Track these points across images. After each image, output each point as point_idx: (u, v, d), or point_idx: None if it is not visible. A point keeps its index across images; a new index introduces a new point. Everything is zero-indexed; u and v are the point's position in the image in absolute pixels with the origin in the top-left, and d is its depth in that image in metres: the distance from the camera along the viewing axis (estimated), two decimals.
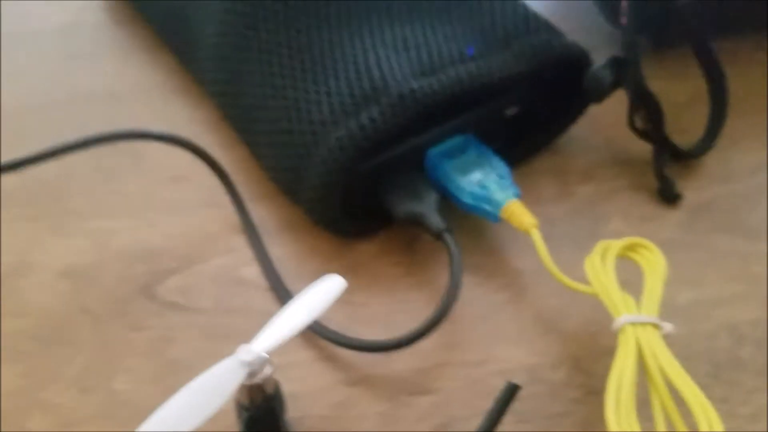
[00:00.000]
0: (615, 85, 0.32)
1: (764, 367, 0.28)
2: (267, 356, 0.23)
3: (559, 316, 0.29)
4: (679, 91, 0.37)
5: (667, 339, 0.26)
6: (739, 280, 0.30)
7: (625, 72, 0.31)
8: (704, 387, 0.26)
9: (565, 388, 0.27)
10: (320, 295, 0.24)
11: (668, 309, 0.29)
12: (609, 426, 0.22)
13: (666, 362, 0.23)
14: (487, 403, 0.25)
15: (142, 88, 0.38)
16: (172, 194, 0.33)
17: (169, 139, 0.31)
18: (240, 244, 0.32)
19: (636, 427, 0.22)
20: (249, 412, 0.24)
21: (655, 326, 0.24)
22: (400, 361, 0.28)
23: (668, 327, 0.25)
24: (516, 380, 0.25)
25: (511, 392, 0.23)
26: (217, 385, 0.22)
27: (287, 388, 0.26)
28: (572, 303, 0.29)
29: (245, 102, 0.33)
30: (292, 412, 0.26)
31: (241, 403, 0.24)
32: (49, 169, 0.33)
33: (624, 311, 0.25)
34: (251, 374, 0.23)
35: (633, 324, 0.24)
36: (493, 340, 0.29)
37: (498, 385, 0.25)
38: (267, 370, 0.23)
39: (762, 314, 0.29)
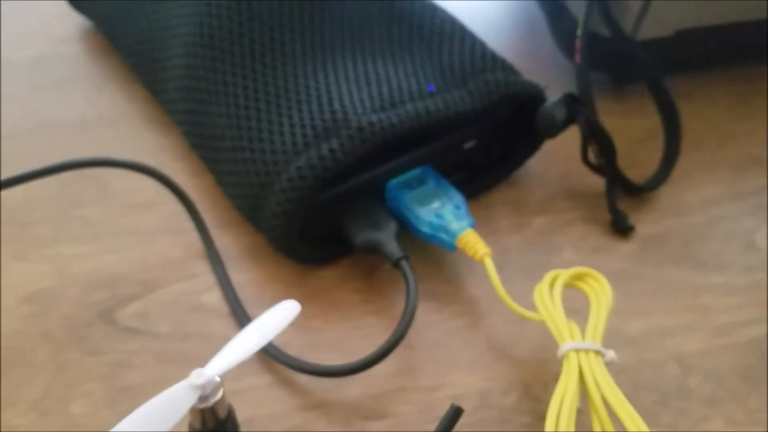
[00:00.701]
0: (568, 121, 0.33)
1: (711, 396, 0.28)
2: (219, 380, 0.23)
3: (511, 344, 0.30)
4: (636, 127, 0.38)
5: (616, 367, 0.27)
6: (688, 311, 0.31)
7: (577, 108, 0.32)
8: (652, 415, 0.27)
9: (516, 413, 0.28)
10: (275, 319, 0.25)
11: (618, 338, 0.30)
12: None
13: (607, 388, 0.24)
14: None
15: (111, 118, 0.39)
16: (136, 220, 0.34)
17: (132, 166, 0.32)
18: (202, 269, 0.32)
19: None
20: None
21: (598, 353, 0.25)
22: (356, 386, 0.28)
23: (611, 354, 0.25)
24: (466, 405, 0.26)
25: (454, 415, 0.23)
26: (168, 408, 0.22)
27: (244, 413, 0.27)
28: (524, 331, 0.30)
29: (209, 132, 0.34)
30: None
31: (193, 427, 0.24)
32: (14, 195, 0.33)
33: (568, 338, 0.25)
34: (203, 398, 0.23)
35: (576, 351, 0.25)
36: (447, 365, 0.29)
37: (445, 401, 0.26)
38: (219, 394, 0.24)
39: (709, 345, 0.30)
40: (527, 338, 0.30)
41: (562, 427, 0.23)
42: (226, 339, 0.25)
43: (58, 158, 0.31)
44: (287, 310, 0.25)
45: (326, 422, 0.28)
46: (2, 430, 0.27)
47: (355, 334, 0.30)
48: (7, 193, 0.33)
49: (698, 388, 0.28)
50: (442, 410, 0.27)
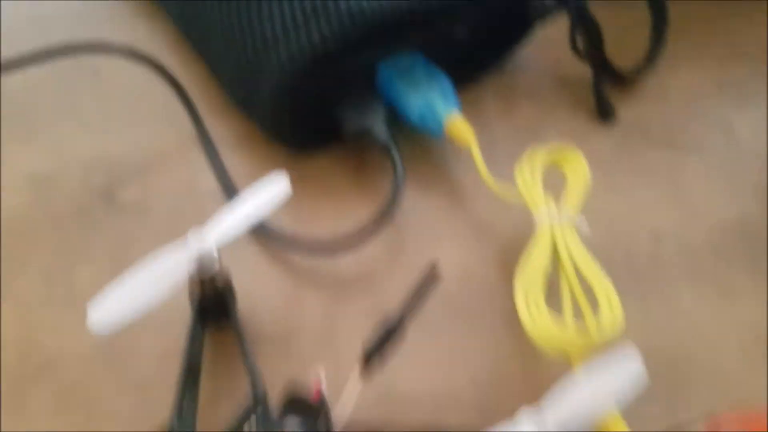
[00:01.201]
0: (558, 7, 0.33)
1: (683, 267, 0.30)
2: (215, 253, 0.25)
3: (494, 224, 0.31)
4: (625, 16, 0.38)
5: (592, 239, 0.28)
6: (665, 191, 0.32)
7: None
8: (623, 282, 0.28)
9: (495, 285, 0.29)
10: (266, 193, 0.26)
11: (595, 213, 0.31)
12: (519, 310, 0.24)
13: (577, 254, 0.25)
14: (429, 301, 0.27)
15: (105, 11, 0.39)
16: (131, 108, 0.35)
17: (128, 52, 0.33)
18: (196, 155, 0.33)
19: (543, 310, 0.24)
20: (200, 301, 0.26)
21: (571, 223, 0.26)
22: (346, 264, 0.30)
23: (584, 225, 0.27)
24: (449, 278, 0.27)
25: (431, 275, 0.25)
26: (165, 275, 0.24)
27: (238, 286, 0.28)
28: (508, 213, 0.31)
29: (202, 22, 0.34)
30: (242, 305, 0.28)
31: (194, 294, 0.26)
32: (13, 82, 0.34)
33: (544, 209, 0.27)
34: (202, 269, 0.25)
35: (550, 220, 0.26)
36: (432, 244, 0.31)
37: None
38: (215, 265, 0.25)
39: (683, 221, 0.31)
40: (511, 219, 0.31)
41: (533, 290, 0.24)
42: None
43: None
44: (278, 186, 0.26)
45: (316, 297, 0.29)
46: (9, 297, 0.29)
47: (345, 216, 0.31)
48: (7, 81, 0.34)
49: (668, 259, 0.30)
50: None
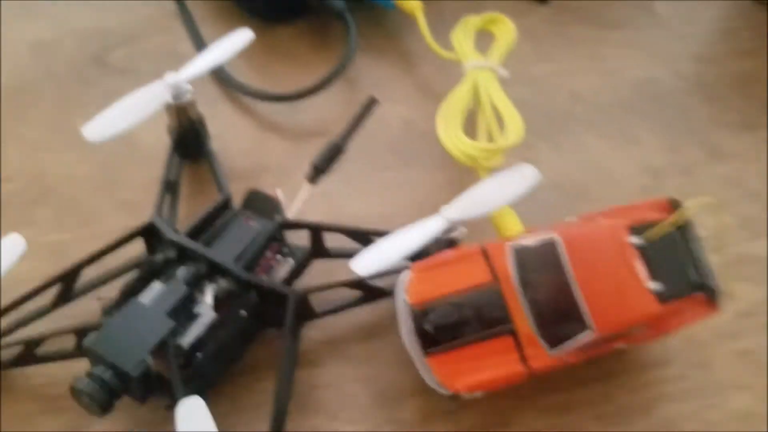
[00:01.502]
0: None
1: (592, 120, 0.35)
2: (189, 86, 0.30)
3: (436, 84, 0.36)
4: None
5: (517, 97, 0.33)
6: (587, 59, 0.37)
7: None
8: (542, 130, 0.34)
9: (433, 134, 0.34)
10: (230, 41, 0.31)
11: (523, 77, 0.36)
12: (437, 129, 0.29)
13: (494, 93, 0.30)
14: (372, 142, 0.32)
15: None
16: None
17: None
18: (176, 26, 0.38)
19: (458, 129, 0.29)
20: (177, 131, 0.31)
21: (494, 71, 0.31)
22: (306, 112, 0.35)
23: (503, 72, 0.32)
24: (392, 128, 0.32)
25: (369, 106, 0.30)
26: (147, 100, 0.29)
27: (213, 133, 0.33)
28: (451, 77, 0.35)
29: None
30: (215, 145, 0.33)
31: (170, 126, 0.31)
32: None
33: (471, 60, 0.31)
34: (176, 96, 0.30)
35: (475, 67, 0.31)
36: (381, 98, 0.35)
37: (384, 129, 0.33)
38: (188, 95, 0.30)
39: (599, 84, 0.36)
40: (453, 81, 0.35)
41: (452, 118, 0.29)
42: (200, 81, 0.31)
43: None
44: (242, 36, 0.31)
45: (279, 140, 0.34)
46: (15, 139, 0.34)
47: (307, 76, 0.36)
48: None
49: (582, 113, 0.35)
50: (378, 135, 0.34)
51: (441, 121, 0.30)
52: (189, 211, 0.31)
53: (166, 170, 0.30)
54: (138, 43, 0.37)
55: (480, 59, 0.32)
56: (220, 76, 0.36)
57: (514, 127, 0.29)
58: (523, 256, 0.26)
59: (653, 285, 0.25)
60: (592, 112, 0.35)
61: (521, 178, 0.28)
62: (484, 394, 0.28)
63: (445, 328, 0.26)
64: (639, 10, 0.39)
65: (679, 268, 0.26)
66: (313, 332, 0.30)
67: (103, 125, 0.28)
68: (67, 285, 0.28)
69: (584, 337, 0.25)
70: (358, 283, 0.28)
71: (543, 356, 0.25)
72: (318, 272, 0.30)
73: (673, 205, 0.27)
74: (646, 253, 0.25)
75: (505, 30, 0.33)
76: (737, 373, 0.29)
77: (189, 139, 0.31)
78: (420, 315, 0.26)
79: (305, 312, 0.28)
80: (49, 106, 0.35)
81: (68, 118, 0.34)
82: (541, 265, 0.26)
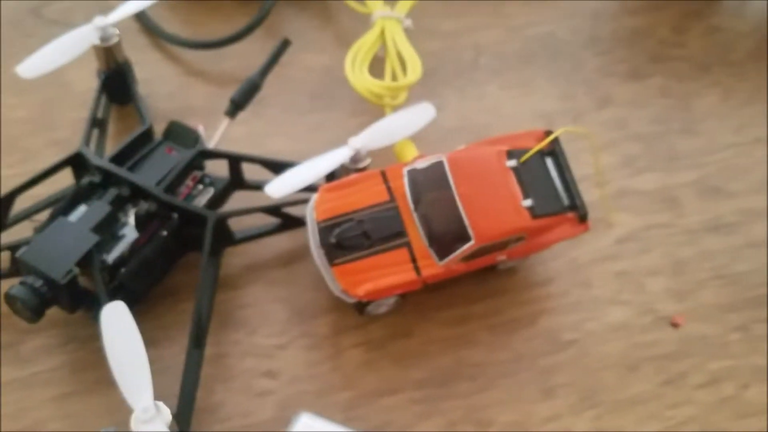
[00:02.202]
0: None
1: (494, 69, 0.38)
2: (116, 29, 0.32)
3: (355, 34, 0.38)
4: None
5: (427, 51, 0.36)
6: (492, 15, 0.40)
7: None
8: (447, 79, 0.37)
9: None
10: None
11: (432, 33, 0.39)
12: (346, 72, 0.32)
13: (399, 40, 0.34)
14: (294, 88, 0.35)
15: None
16: None
17: None
18: None
19: (364, 69, 0.33)
20: (105, 74, 0.33)
21: (399, 21, 0.35)
22: (230, 60, 0.37)
23: (408, 22, 0.35)
24: (313, 77, 0.35)
25: (283, 46, 0.32)
26: (73, 43, 0.31)
27: (141, 79, 0.36)
28: (367, 25, 0.38)
29: None
30: (143, 89, 0.35)
31: (99, 69, 0.33)
32: None
33: (379, 10, 0.35)
34: (103, 39, 0.32)
35: (383, 17, 0.34)
36: (302, 49, 0.38)
37: (304, 77, 0.36)
38: (115, 38, 0.32)
39: (502, 38, 0.39)
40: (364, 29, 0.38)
41: (359, 60, 0.33)
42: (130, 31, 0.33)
43: None
44: None
45: (204, 84, 0.37)
46: None
47: (232, 28, 0.38)
48: None
49: (485, 65, 0.38)
50: (299, 82, 0.37)
51: (349, 63, 0.33)
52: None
53: (94, 107, 0.33)
54: None
55: (386, 10, 0.35)
56: (148, 26, 0.38)
57: (414, 67, 0.32)
58: (415, 176, 0.29)
59: (526, 202, 0.28)
60: (495, 63, 0.38)
61: (420, 114, 0.31)
62: (390, 309, 0.31)
63: (348, 241, 0.29)
64: None
65: (551, 189, 0.30)
66: (237, 259, 0.32)
67: (36, 64, 0.31)
68: (1, 213, 0.30)
69: (467, 247, 0.28)
70: (275, 210, 0.31)
71: (434, 266, 0.29)
72: (239, 203, 0.32)
73: (547, 135, 0.30)
74: (520, 174, 0.29)
75: None
76: (614, 291, 0.33)
77: (116, 80, 0.34)
78: (325, 229, 0.29)
79: (224, 236, 0.31)
80: None
81: (6, 66, 0.36)
82: (430, 184, 0.29)
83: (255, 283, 0.32)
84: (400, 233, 0.29)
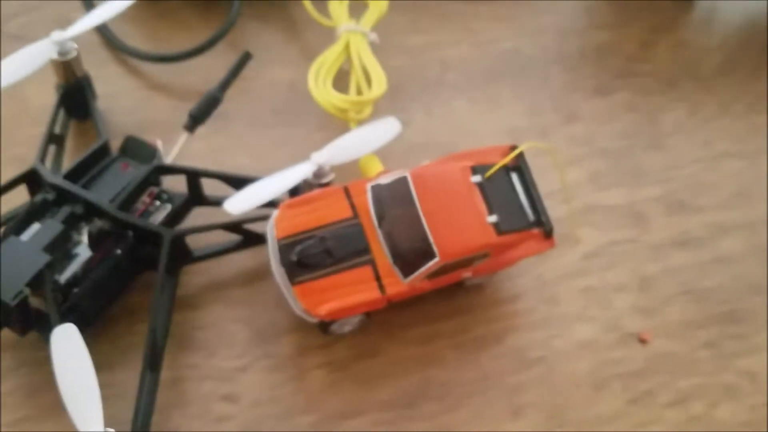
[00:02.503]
0: None
1: (461, 87, 0.38)
2: (74, 44, 0.31)
3: (320, 49, 0.38)
4: None
5: (393, 67, 0.36)
6: (459, 31, 0.40)
7: None
8: (414, 95, 0.37)
9: None
10: (113, 6, 0.33)
11: (400, 47, 0.39)
12: (309, 86, 0.32)
13: (364, 54, 0.33)
14: (257, 104, 0.35)
15: None
16: None
17: None
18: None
19: (328, 84, 0.32)
20: (63, 88, 0.32)
21: (364, 35, 0.34)
22: (192, 74, 0.37)
23: (373, 36, 0.35)
24: (278, 93, 0.35)
25: (244, 59, 0.32)
26: (31, 58, 0.31)
27: (99, 91, 0.35)
28: (332, 41, 0.38)
29: None
30: (101, 104, 0.35)
31: (57, 83, 0.33)
32: None
33: (344, 24, 0.34)
34: (61, 53, 0.31)
35: (348, 31, 0.34)
36: (266, 63, 0.38)
37: (268, 91, 0.35)
38: (73, 53, 0.32)
39: (468, 54, 0.39)
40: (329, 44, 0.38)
41: (323, 74, 0.32)
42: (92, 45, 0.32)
43: None
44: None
45: (166, 99, 0.36)
46: None
47: (194, 41, 0.37)
48: None
49: (452, 80, 0.38)
50: (263, 97, 0.37)
51: (312, 77, 0.33)
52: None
53: (51, 122, 0.32)
54: (34, 12, 0.39)
55: (352, 23, 0.34)
56: (110, 40, 0.37)
57: (379, 81, 0.32)
58: (379, 192, 0.29)
59: (491, 218, 0.28)
60: (462, 79, 0.38)
61: (385, 129, 0.31)
62: (354, 328, 0.30)
63: (310, 259, 0.28)
64: None
65: (516, 206, 0.29)
66: (196, 278, 0.32)
67: None
68: None
69: (431, 264, 0.27)
70: (236, 227, 0.30)
71: (398, 284, 0.28)
72: (199, 220, 0.32)
73: (512, 150, 0.30)
74: (485, 189, 0.29)
75: (381, 3, 0.36)
76: (581, 307, 0.32)
77: (74, 95, 0.33)
78: (286, 247, 0.28)
79: (182, 253, 0.30)
80: None
81: None
82: (394, 200, 0.28)
83: (215, 303, 0.31)
84: (364, 250, 0.28)
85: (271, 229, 0.29)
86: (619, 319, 0.32)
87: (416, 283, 0.28)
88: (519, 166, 0.30)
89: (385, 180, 0.29)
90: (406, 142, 0.34)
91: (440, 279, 0.29)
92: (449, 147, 0.35)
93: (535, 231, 0.29)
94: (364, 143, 0.30)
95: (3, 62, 0.31)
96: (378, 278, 0.28)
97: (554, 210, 0.31)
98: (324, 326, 0.29)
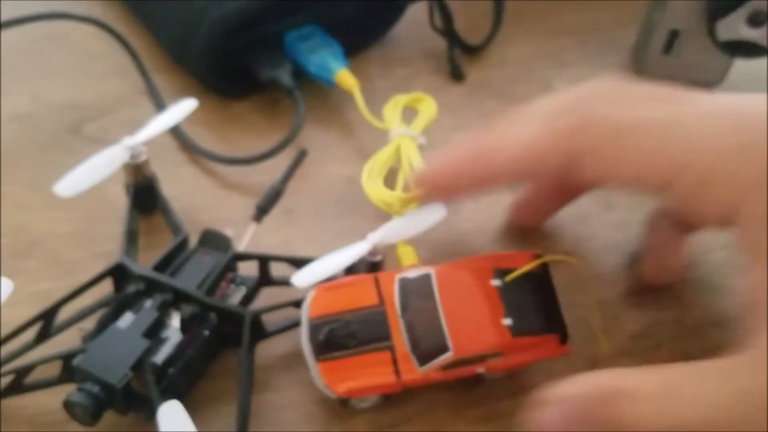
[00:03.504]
0: None
1: None
2: (144, 147, 0.35)
3: (373, 148, 0.41)
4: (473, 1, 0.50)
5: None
6: None
7: None
8: None
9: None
10: (177, 109, 0.37)
11: (444, 143, 0.42)
12: (363, 184, 0.37)
13: (413, 156, 0.38)
14: (321, 198, 0.38)
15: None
16: (93, 66, 0.45)
17: (90, 20, 0.42)
18: (145, 101, 0.43)
19: (379, 181, 0.37)
20: (134, 188, 0.36)
21: (414, 138, 0.39)
22: (262, 174, 0.40)
23: (422, 140, 0.39)
24: (337, 188, 0.38)
25: (300, 156, 0.37)
26: (107, 161, 0.34)
27: (175, 191, 0.38)
28: (384, 139, 0.41)
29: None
30: (179, 203, 0.38)
31: (128, 184, 0.36)
32: None
33: (396, 128, 0.39)
34: (133, 156, 0.35)
35: (400, 135, 0.38)
36: (326, 161, 0.41)
37: (326, 187, 0.39)
38: (144, 156, 0.35)
39: None
40: (384, 144, 0.42)
41: (375, 172, 0.37)
42: (166, 146, 0.36)
43: None
44: (188, 104, 0.37)
45: (239, 197, 0.39)
46: (5, 198, 0.38)
47: (262, 144, 0.41)
48: None
49: None
50: (326, 192, 0.40)
51: (365, 175, 0.37)
52: (144, 261, 0.35)
53: (128, 221, 0.35)
54: (109, 116, 0.42)
55: (403, 128, 0.39)
56: (185, 143, 0.41)
57: None
58: (405, 285, 0.32)
59: (506, 320, 0.31)
60: None
61: (431, 214, 0.34)
62: (371, 405, 0.32)
63: (336, 339, 0.31)
64: (539, 86, 0.46)
65: (533, 311, 0.32)
66: (270, 359, 0.34)
67: (71, 182, 0.34)
68: (47, 322, 0.32)
69: (445, 358, 0.30)
70: (301, 303, 0.33)
71: (413, 371, 0.31)
72: (265, 299, 0.34)
73: (536, 258, 0.33)
74: (504, 293, 0.31)
75: (428, 106, 0.40)
76: None
77: (144, 194, 0.37)
78: (316, 326, 0.31)
79: (258, 330, 0.33)
80: (33, 171, 0.40)
81: (48, 182, 0.38)
82: (418, 294, 0.31)
83: (294, 387, 0.33)
84: (385, 337, 0.31)
85: (305, 309, 0.31)
86: None
87: (430, 372, 0.31)
88: (542, 272, 0.33)
89: (411, 274, 0.32)
90: (455, 229, 0.38)
91: (454, 371, 0.31)
92: (495, 235, 0.39)
93: (552, 336, 0.32)
94: (412, 225, 0.34)
95: (80, 167, 0.34)
96: (395, 362, 0.31)
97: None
98: (343, 401, 0.31)
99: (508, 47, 0.48)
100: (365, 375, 0.30)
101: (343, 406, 0.32)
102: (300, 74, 0.43)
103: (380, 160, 0.38)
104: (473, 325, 0.30)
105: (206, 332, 0.32)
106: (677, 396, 0.25)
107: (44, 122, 0.42)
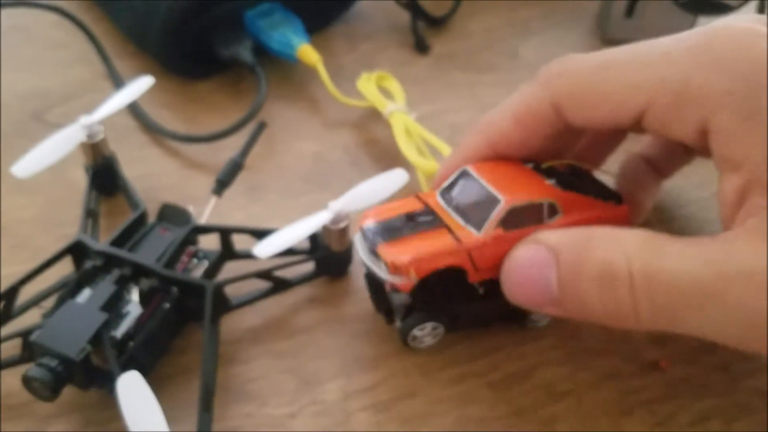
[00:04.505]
0: None
1: None
2: (101, 126, 0.35)
3: (337, 122, 0.42)
4: None
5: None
6: (463, 98, 0.43)
7: None
8: None
9: (339, 163, 0.40)
10: (135, 88, 0.37)
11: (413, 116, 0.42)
12: (412, 161, 0.37)
13: (415, 127, 0.38)
14: (288, 174, 0.37)
15: None
16: (56, 55, 0.44)
17: (50, 8, 0.42)
18: (108, 86, 0.43)
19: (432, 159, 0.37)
20: (93, 169, 0.35)
21: (408, 113, 0.39)
22: (225, 153, 0.40)
23: (414, 114, 0.39)
24: (304, 161, 0.38)
25: (259, 128, 0.36)
26: (63, 142, 0.34)
27: (138, 171, 0.38)
28: (348, 115, 0.42)
29: None
30: (144, 183, 0.37)
31: (86, 164, 0.36)
32: None
33: (389, 105, 0.39)
34: (89, 136, 0.35)
35: (394, 111, 0.39)
36: (293, 137, 0.41)
37: (293, 162, 0.38)
38: (100, 135, 0.35)
39: (475, 118, 0.42)
40: (350, 119, 0.42)
41: (410, 145, 0.38)
42: (127, 127, 0.36)
43: None
44: (144, 81, 0.37)
45: (203, 176, 0.39)
46: None
47: (228, 123, 0.41)
48: None
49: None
50: (292, 168, 0.40)
51: (410, 151, 0.38)
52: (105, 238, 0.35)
53: (86, 200, 0.35)
54: (72, 102, 0.42)
55: (392, 105, 0.39)
56: (147, 124, 0.41)
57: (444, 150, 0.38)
58: (445, 192, 0.32)
59: (550, 181, 0.31)
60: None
61: (393, 179, 0.34)
62: (434, 342, 0.32)
63: (390, 229, 0.30)
64: (505, 55, 0.46)
65: (576, 183, 0.32)
66: (238, 332, 0.34)
67: (28, 163, 0.33)
68: (9, 302, 0.32)
69: (499, 210, 0.30)
70: (267, 274, 0.33)
71: (473, 237, 0.30)
72: (229, 273, 0.34)
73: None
74: (541, 172, 0.32)
75: (394, 85, 0.41)
76: (603, 341, 0.34)
77: (103, 174, 0.36)
78: (369, 229, 0.31)
79: (222, 303, 0.32)
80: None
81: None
82: (459, 185, 0.32)
83: (262, 357, 0.33)
84: (439, 222, 0.31)
85: (357, 228, 0.31)
86: (638, 350, 0.34)
87: (490, 233, 0.30)
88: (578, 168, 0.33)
89: (447, 182, 0.32)
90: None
91: (514, 233, 0.30)
92: None
93: (604, 202, 0.32)
94: (375, 192, 0.34)
95: (37, 148, 0.34)
96: (454, 235, 0.30)
97: None
98: (404, 334, 0.32)
99: (472, 19, 0.48)
100: (427, 246, 0.30)
101: (403, 339, 0.32)
102: (262, 52, 0.43)
103: (407, 138, 0.38)
104: (520, 183, 0.31)
105: (167, 305, 0.31)
106: (658, 247, 0.26)
107: (7, 111, 0.41)
